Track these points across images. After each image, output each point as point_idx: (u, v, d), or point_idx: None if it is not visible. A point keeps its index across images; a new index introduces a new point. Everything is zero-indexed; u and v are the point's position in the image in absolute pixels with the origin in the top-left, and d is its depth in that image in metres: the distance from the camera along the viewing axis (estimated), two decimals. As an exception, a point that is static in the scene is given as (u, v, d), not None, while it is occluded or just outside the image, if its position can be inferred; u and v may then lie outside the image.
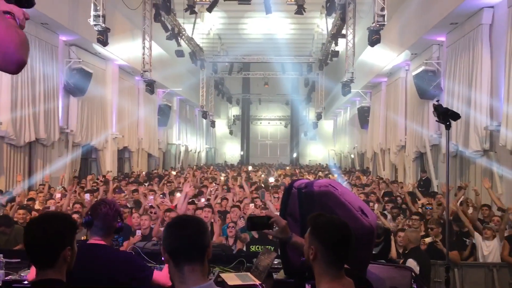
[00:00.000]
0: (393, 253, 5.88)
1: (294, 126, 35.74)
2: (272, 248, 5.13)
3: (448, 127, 4.36)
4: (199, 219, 1.94)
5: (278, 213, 3.02)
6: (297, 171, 19.66)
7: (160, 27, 17.04)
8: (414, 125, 14.01)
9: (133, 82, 18.53)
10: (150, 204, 7.96)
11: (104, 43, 12.31)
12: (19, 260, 3.71)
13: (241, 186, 11.72)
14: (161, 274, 2.84)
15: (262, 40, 24.20)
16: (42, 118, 11.58)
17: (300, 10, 15.84)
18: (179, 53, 19.69)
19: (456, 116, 4.37)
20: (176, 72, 22.08)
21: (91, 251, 2.76)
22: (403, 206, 9.22)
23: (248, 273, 3.36)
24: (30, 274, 3.04)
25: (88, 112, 14.33)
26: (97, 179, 12.94)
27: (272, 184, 13.58)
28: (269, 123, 38.70)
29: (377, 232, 3.07)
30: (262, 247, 5.84)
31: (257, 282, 3.16)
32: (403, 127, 15.50)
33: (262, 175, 17.77)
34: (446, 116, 4.35)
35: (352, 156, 25.78)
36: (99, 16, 11.95)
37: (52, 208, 7.58)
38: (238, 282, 3.20)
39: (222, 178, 15.21)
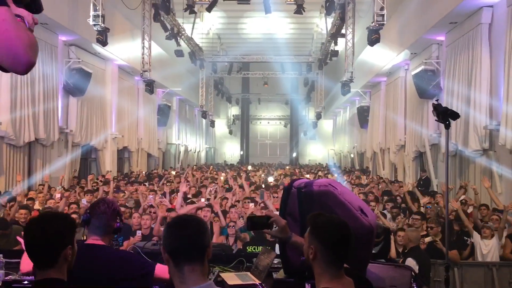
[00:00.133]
0: (393, 252, 5.89)
1: (293, 126, 35.72)
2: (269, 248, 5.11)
3: (447, 126, 4.37)
4: (199, 219, 1.94)
5: (277, 213, 3.02)
6: (296, 171, 19.67)
7: (160, 27, 17.04)
8: (413, 125, 14.02)
9: (132, 82, 18.52)
10: (150, 203, 7.96)
11: (103, 43, 12.31)
12: (19, 260, 3.71)
13: (241, 186, 11.71)
14: (164, 269, 2.83)
15: (262, 40, 24.20)
16: (42, 118, 11.57)
17: (300, 9, 15.84)
18: (179, 53, 19.68)
19: (455, 115, 4.38)
20: (175, 72, 22.07)
21: (90, 251, 2.73)
22: (403, 205, 9.24)
23: (248, 273, 3.36)
24: (22, 265, 3.01)
25: (87, 112, 14.32)
26: (97, 179, 12.95)
27: (272, 184, 13.57)
28: (268, 123, 38.70)
29: (376, 231, 3.07)
30: (258, 247, 5.81)
31: (257, 282, 3.16)
32: (402, 127, 15.51)
33: (262, 175, 17.76)
34: (445, 115, 4.36)
35: (352, 155, 25.78)
36: (98, 16, 11.95)
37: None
38: (238, 281, 3.20)
39: (222, 178, 15.21)
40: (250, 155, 35.95)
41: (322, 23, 21.03)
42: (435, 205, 8.01)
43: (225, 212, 7.79)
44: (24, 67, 1.28)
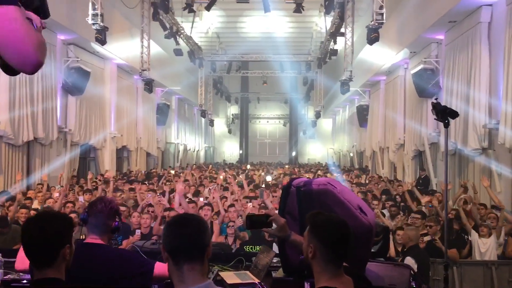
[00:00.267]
0: (392, 251, 5.89)
1: (293, 125, 35.73)
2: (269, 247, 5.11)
3: (446, 125, 4.37)
4: (199, 218, 1.93)
5: (277, 212, 3.02)
6: (295, 170, 19.66)
7: (159, 25, 17.03)
8: (413, 124, 14.02)
9: (131, 81, 18.50)
10: (149, 202, 7.96)
11: (102, 42, 12.30)
12: (17, 259, 3.71)
13: (239, 185, 11.70)
14: (164, 266, 2.82)
15: (261, 39, 24.19)
16: (40, 117, 11.56)
17: (299, 8, 15.85)
18: (178, 52, 19.68)
19: (454, 114, 4.38)
20: (174, 70, 22.05)
21: (89, 250, 2.73)
22: (402, 204, 9.24)
23: (247, 272, 3.36)
24: (17, 263, 2.99)
25: (86, 111, 14.31)
26: (96, 178, 12.93)
27: (272, 182, 13.56)
28: (268, 122, 38.70)
29: (375, 230, 3.07)
30: (256, 246, 5.80)
31: (256, 281, 3.16)
32: (402, 126, 15.51)
33: (262, 174, 17.76)
34: (444, 114, 4.36)
35: (351, 154, 25.79)
36: (97, 15, 11.93)
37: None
38: (237, 280, 3.20)
39: (222, 177, 15.21)
40: (250, 154, 35.96)
41: (321, 22, 21.02)
42: (437, 204, 8.00)
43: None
44: (32, 66, 1.30)
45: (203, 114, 26.29)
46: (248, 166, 22.65)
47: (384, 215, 7.91)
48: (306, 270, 2.60)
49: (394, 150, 16.33)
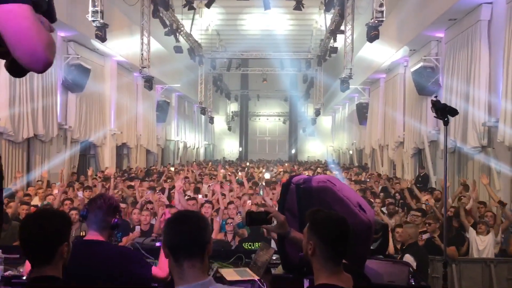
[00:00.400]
0: (391, 248, 5.90)
1: (292, 122, 35.73)
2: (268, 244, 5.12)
3: (446, 123, 4.38)
4: (200, 215, 1.94)
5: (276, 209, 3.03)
6: (295, 168, 19.66)
7: (159, 23, 17.00)
8: (412, 121, 14.02)
9: (131, 78, 18.49)
10: (148, 199, 7.97)
11: (102, 39, 12.28)
12: (18, 255, 3.72)
13: (238, 182, 11.70)
14: (159, 267, 2.84)
15: (261, 36, 24.17)
16: (41, 114, 11.56)
17: (299, 6, 15.86)
18: (178, 49, 19.65)
19: (454, 112, 4.39)
20: (174, 68, 22.03)
21: (89, 247, 2.73)
22: (401, 201, 9.25)
23: (247, 269, 3.38)
24: (26, 267, 3.03)
25: (86, 108, 14.31)
26: (96, 175, 12.94)
27: (273, 179, 13.57)
28: (267, 119, 38.69)
29: (375, 227, 3.08)
30: (255, 243, 5.81)
31: (256, 278, 3.17)
32: (401, 123, 15.52)
33: (263, 170, 17.75)
34: (444, 112, 4.37)
35: (351, 152, 25.80)
36: (97, 12, 11.92)
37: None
38: (237, 277, 3.21)
39: (221, 174, 15.22)
40: (249, 151, 35.97)
41: (321, 20, 21.02)
42: (433, 203, 8.02)
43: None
44: (42, 65, 1.31)
45: (203, 111, 26.29)
46: (247, 164, 22.64)
47: (383, 213, 7.93)
48: (306, 267, 2.61)
49: (393, 148, 16.34)
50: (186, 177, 12.74)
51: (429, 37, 12.42)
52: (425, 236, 6.35)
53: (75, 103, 13.68)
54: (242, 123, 36.68)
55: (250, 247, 5.72)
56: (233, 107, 38.30)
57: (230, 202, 7.52)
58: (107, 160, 15.76)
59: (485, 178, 8.15)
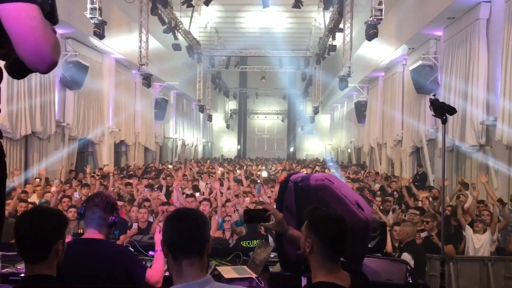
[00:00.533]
0: (389, 247, 5.91)
1: (291, 121, 35.72)
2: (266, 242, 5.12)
3: (444, 121, 4.38)
4: (199, 213, 1.92)
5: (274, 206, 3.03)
6: (293, 166, 19.66)
7: (157, 20, 16.96)
8: (410, 120, 14.04)
9: (129, 76, 18.46)
10: (145, 197, 7.96)
11: (100, 36, 12.25)
12: (15, 253, 3.71)
13: (236, 180, 11.69)
14: (153, 271, 2.84)
15: (259, 34, 24.13)
16: (38, 112, 11.54)
17: (298, 4, 15.82)
18: (176, 47, 19.61)
19: (452, 110, 4.39)
20: (173, 65, 22.00)
21: (87, 245, 2.72)
22: (399, 199, 9.26)
23: (245, 267, 3.38)
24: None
25: (84, 106, 14.28)
26: (94, 172, 12.92)
27: (271, 177, 13.56)
28: (266, 117, 38.66)
29: (373, 226, 3.08)
30: (252, 241, 5.81)
31: (254, 276, 3.18)
32: (400, 122, 15.54)
33: (263, 168, 17.73)
34: (442, 110, 4.37)
35: (349, 150, 25.81)
36: (95, 9, 11.88)
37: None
38: (235, 275, 3.21)
39: (219, 172, 15.21)
40: (248, 149, 35.97)
41: (320, 18, 21.00)
42: (427, 202, 8.04)
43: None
44: (47, 65, 1.32)
45: (202, 109, 26.24)
46: (246, 162, 22.64)
47: (385, 212, 7.94)
48: (303, 265, 2.61)
49: (392, 146, 16.36)
50: (184, 175, 12.74)
51: (428, 35, 12.43)
52: (423, 235, 6.36)
53: (73, 101, 13.65)
54: (240, 121, 36.65)
55: (248, 245, 5.71)
56: (232, 105, 38.26)
57: (228, 200, 7.51)
58: (105, 158, 15.74)
59: (483, 176, 8.16)
